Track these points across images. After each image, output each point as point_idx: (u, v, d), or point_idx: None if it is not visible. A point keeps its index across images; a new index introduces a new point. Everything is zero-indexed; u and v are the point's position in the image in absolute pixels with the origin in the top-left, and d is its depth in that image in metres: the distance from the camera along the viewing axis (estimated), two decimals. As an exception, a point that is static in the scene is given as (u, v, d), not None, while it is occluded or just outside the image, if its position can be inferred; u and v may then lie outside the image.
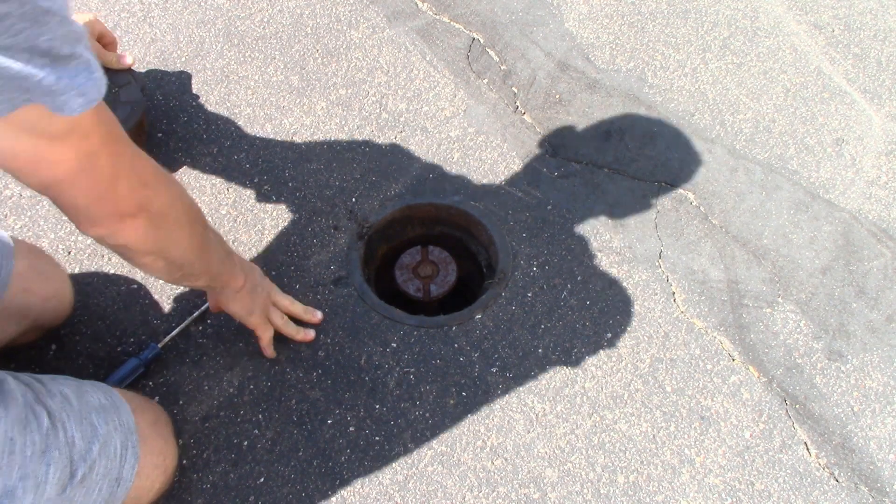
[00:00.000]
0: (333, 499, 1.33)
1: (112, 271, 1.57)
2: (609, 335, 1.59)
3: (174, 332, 1.48)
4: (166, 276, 1.13)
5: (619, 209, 1.82)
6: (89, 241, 1.61)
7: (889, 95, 2.18)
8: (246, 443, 1.38)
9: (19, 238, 1.32)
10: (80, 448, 1.02)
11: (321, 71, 2.03)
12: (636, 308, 1.64)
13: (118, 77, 1.66)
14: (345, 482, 1.35)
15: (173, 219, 1.02)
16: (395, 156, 1.86)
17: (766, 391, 1.55)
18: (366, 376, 1.48)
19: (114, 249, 1.01)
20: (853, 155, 2.02)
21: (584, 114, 2.03)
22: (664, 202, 1.85)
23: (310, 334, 1.49)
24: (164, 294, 1.55)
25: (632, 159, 1.93)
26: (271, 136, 1.86)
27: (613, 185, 1.87)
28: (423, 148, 1.88)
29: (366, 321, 1.56)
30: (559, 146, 1.94)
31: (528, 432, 1.44)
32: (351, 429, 1.41)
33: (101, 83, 0.79)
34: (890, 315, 1.71)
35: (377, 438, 1.41)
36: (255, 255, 1.63)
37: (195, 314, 1.52)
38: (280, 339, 1.51)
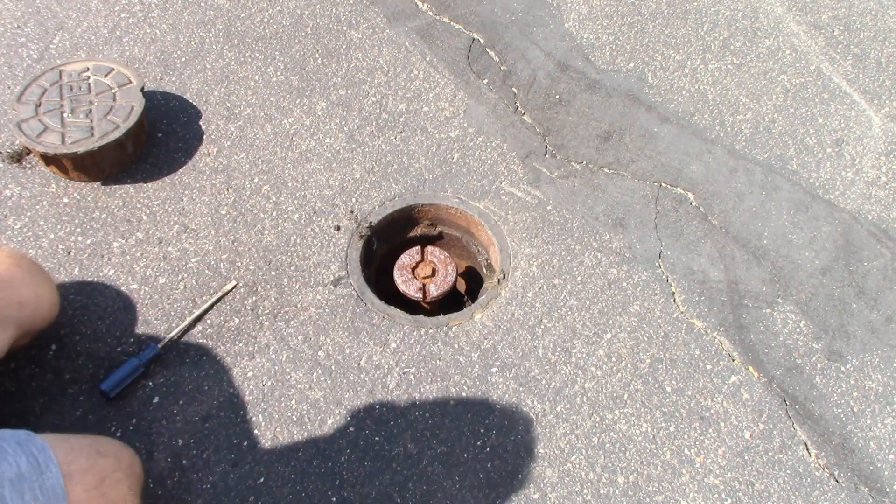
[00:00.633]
0: (333, 499, 1.33)
1: (112, 272, 1.57)
2: (609, 335, 1.59)
3: (174, 332, 1.48)
4: None
5: (619, 209, 1.82)
6: (89, 241, 1.61)
7: (889, 96, 2.18)
8: (246, 443, 1.38)
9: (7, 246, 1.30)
10: None
11: (321, 71, 2.03)
12: (636, 308, 1.64)
13: (118, 77, 1.66)
14: (345, 482, 1.35)
15: None
16: (395, 156, 1.86)
17: (766, 391, 1.55)
18: (366, 376, 1.48)
19: None
20: (853, 155, 2.02)
21: (584, 114, 2.03)
22: (664, 202, 1.85)
23: None
24: (165, 294, 1.55)
25: (632, 159, 1.93)
26: (271, 136, 1.86)
27: (613, 185, 1.87)
28: (423, 148, 1.88)
29: (366, 321, 1.56)
30: (559, 146, 1.94)
31: (528, 432, 1.44)
32: (351, 429, 1.41)
33: None
34: (890, 315, 1.71)
35: (377, 438, 1.40)
36: (256, 254, 1.63)
37: (195, 314, 1.52)
38: (280, 337, 1.51)
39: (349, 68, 2.05)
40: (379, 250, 1.79)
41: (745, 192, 1.90)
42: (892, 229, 1.87)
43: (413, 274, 1.71)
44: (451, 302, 1.88)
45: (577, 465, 1.41)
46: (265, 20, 2.14)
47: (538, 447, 1.42)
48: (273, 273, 1.61)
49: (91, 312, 1.51)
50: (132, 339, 1.48)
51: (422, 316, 1.59)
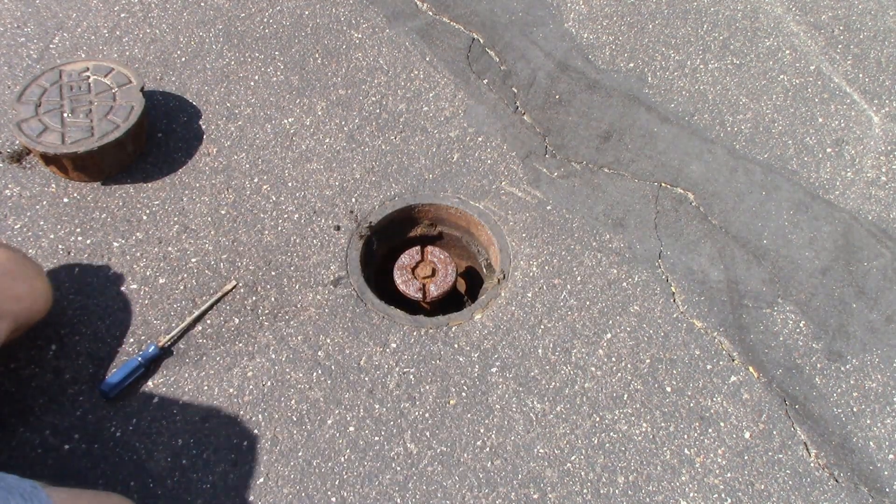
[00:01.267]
0: (333, 499, 1.33)
1: (112, 272, 1.57)
2: (609, 335, 1.59)
3: (174, 332, 1.48)
4: None
5: (619, 209, 1.82)
6: (89, 241, 1.61)
7: (889, 96, 2.18)
8: (246, 443, 1.38)
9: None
10: None
11: (321, 71, 2.03)
12: (636, 308, 1.64)
13: (118, 77, 1.66)
14: (345, 482, 1.35)
15: None
16: (395, 156, 1.86)
17: (766, 391, 1.55)
18: (366, 376, 1.48)
19: None
20: (853, 155, 2.02)
21: (584, 114, 2.03)
22: (664, 202, 1.85)
23: None
24: (165, 294, 1.55)
25: (632, 159, 1.93)
26: (271, 136, 1.86)
27: (613, 185, 1.87)
28: (423, 148, 1.88)
29: (366, 321, 1.56)
30: (559, 146, 1.94)
31: (528, 432, 1.44)
32: (351, 429, 1.41)
33: None
34: (890, 315, 1.71)
35: (377, 438, 1.40)
36: (256, 254, 1.63)
37: (195, 314, 1.52)
38: (280, 338, 1.51)
39: (349, 68, 2.05)
40: (379, 250, 1.79)
41: (745, 192, 1.90)
42: (892, 229, 1.87)
43: (413, 274, 1.71)
44: (451, 302, 1.88)
45: (577, 465, 1.41)
46: (265, 20, 2.14)
47: (538, 447, 1.42)
48: (273, 273, 1.61)
49: (91, 312, 1.51)
50: (132, 339, 1.48)
51: (422, 316, 1.59)
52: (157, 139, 1.82)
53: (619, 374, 1.54)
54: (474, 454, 1.40)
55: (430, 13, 2.23)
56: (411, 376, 1.49)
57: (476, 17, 2.24)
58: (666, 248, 1.76)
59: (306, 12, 2.18)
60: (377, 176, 1.81)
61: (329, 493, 1.33)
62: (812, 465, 1.46)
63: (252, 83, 1.97)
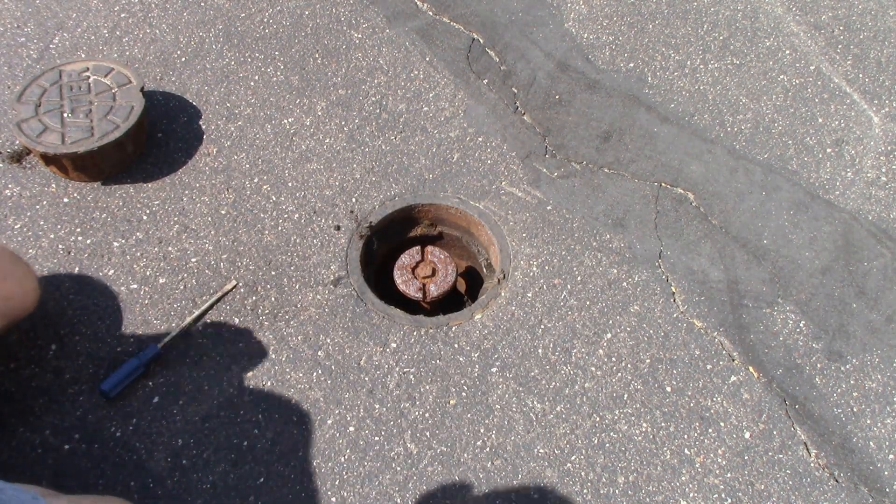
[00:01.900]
0: (333, 499, 1.33)
1: (112, 272, 1.57)
2: (609, 335, 1.59)
3: (174, 332, 1.48)
4: None
5: (619, 209, 1.82)
6: (89, 241, 1.61)
7: (889, 96, 2.18)
8: (246, 443, 1.38)
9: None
10: None
11: (321, 71, 2.03)
12: (636, 308, 1.64)
13: (118, 77, 1.66)
14: (345, 482, 1.35)
15: None
16: (395, 156, 1.86)
17: (766, 391, 1.55)
18: (366, 376, 1.48)
19: None
20: (853, 155, 2.02)
21: (584, 114, 2.03)
22: (664, 202, 1.85)
23: None
24: (165, 294, 1.55)
25: (632, 159, 1.93)
26: (271, 136, 1.86)
27: (613, 185, 1.87)
28: (423, 148, 1.88)
29: (366, 321, 1.56)
30: (559, 146, 1.94)
31: (528, 432, 1.44)
32: (351, 429, 1.41)
33: None
34: (890, 315, 1.71)
35: (377, 438, 1.40)
36: (256, 254, 1.63)
37: (195, 314, 1.52)
38: (280, 337, 1.51)
39: (349, 68, 2.05)
40: (379, 250, 1.79)
41: (745, 192, 1.90)
42: (892, 229, 1.87)
43: (413, 274, 1.71)
44: (451, 302, 1.88)
45: (577, 465, 1.41)
46: (265, 20, 2.14)
47: (538, 447, 1.42)
48: (273, 273, 1.61)
49: (91, 312, 1.51)
50: (132, 339, 1.48)
51: (422, 316, 1.59)
52: (157, 139, 1.82)
53: (619, 374, 1.54)
54: (474, 454, 1.40)
55: (430, 13, 2.23)
56: (411, 376, 1.49)
57: (476, 17, 2.24)
58: (666, 248, 1.76)
59: (306, 12, 2.18)
60: (377, 176, 1.81)
61: (329, 493, 1.33)
62: (812, 465, 1.46)
63: (252, 83, 1.97)
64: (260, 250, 1.64)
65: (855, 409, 1.55)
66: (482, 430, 1.44)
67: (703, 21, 2.33)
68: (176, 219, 1.67)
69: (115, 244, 1.61)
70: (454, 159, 1.87)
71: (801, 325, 1.67)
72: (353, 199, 1.76)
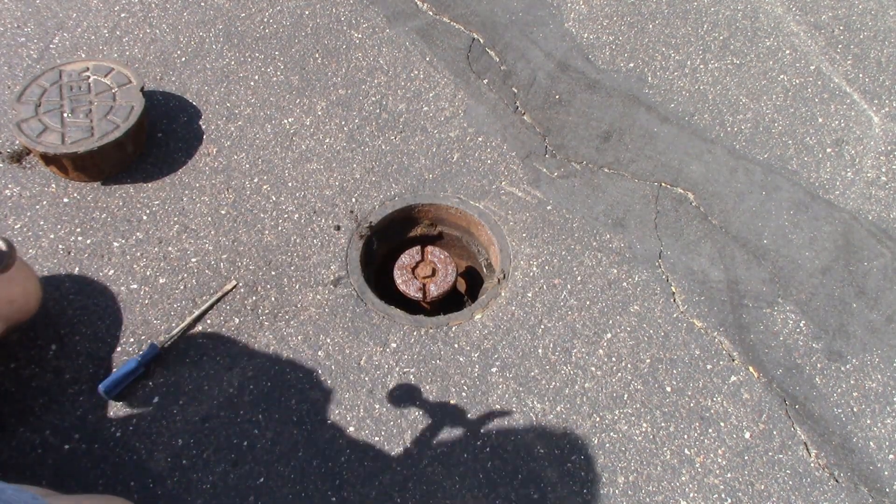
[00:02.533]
0: (333, 499, 1.33)
1: (112, 272, 1.57)
2: (609, 335, 1.59)
3: (174, 333, 1.48)
4: None
5: (619, 209, 1.82)
6: (89, 241, 1.61)
7: (889, 96, 2.18)
8: (246, 443, 1.38)
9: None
10: None
11: (321, 71, 2.03)
12: (636, 308, 1.64)
13: (118, 77, 1.66)
14: (345, 482, 1.35)
15: None
16: (395, 156, 1.86)
17: (766, 391, 1.55)
18: (366, 376, 1.48)
19: None
20: (853, 155, 2.02)
21: (584, 114, 2.03)
22: (664, 202, 1.85)
23: None
24: (164, 294, 1.55)
25: (632, 159, 1.93)
26: (271, 136, 1.86)
27: (613, 185, 1.87)
28: (423, 148, 1.88)
29: (366, 321, 1.56)
30: (559, 146, 1.94)
31: (528, 432, 1.44)
32: (351, 429, 1.41)
33: None
34: (890, 315, 1.71)
35: (377, 438, 1.40)
36: (256, 254, 1.63)
37: (195, 314, 1.52)
38: (280, 337, 1.51)
39: (349, 68, 2.05)
40: (379, 250, 1.79)
41: (745, 192, 1.90)
42: (892, 229, 1.87)
43: (413, 274, 1.71)
44: (451, 302, 1.88)
45: (577, 465, 1.41)
46: (265, 20, 2.14)
47: (538, 447, 1.42)
48: (273, 273, 1.61)
49: (91, 312, 1.51)
50: (132, 339, 1.48)
51: (422, 316, 1.59)
52: (157, 139, 1.82)
53: (619, 374, 1.54)
54: (474, 454, 1.40)
55: (430, 13, 2.23)
56: (411, 376, 1.49)
57: (476, 17, 2.24)
58: (666, 248, 1.76)
59: (306, 12, 2.18)
60: (377, 176, 1.81)
61: (329, 493, 1.33)
62: (812, 465, 1.46)
63: (252, 83, 1.97)
64: (260, 250, 1.64)
65: (855, 409, 1.55)
66: (482, 430, 1.44)
67: (703, 21, 2.33)
68: (176, 219, 1.67)
69: (115, 244, 1.62)
70: (454, 159, 1.87)
71: (801, 325, 1.67)
72: (353, 199, 1.76)
